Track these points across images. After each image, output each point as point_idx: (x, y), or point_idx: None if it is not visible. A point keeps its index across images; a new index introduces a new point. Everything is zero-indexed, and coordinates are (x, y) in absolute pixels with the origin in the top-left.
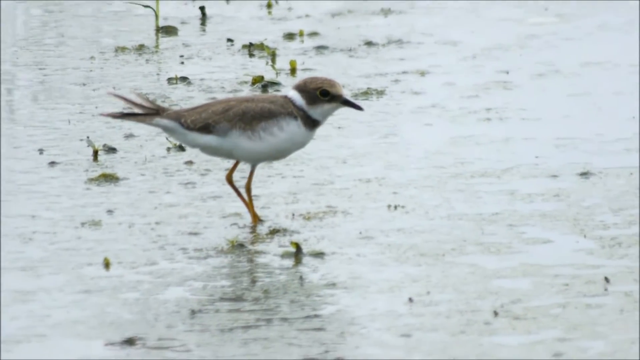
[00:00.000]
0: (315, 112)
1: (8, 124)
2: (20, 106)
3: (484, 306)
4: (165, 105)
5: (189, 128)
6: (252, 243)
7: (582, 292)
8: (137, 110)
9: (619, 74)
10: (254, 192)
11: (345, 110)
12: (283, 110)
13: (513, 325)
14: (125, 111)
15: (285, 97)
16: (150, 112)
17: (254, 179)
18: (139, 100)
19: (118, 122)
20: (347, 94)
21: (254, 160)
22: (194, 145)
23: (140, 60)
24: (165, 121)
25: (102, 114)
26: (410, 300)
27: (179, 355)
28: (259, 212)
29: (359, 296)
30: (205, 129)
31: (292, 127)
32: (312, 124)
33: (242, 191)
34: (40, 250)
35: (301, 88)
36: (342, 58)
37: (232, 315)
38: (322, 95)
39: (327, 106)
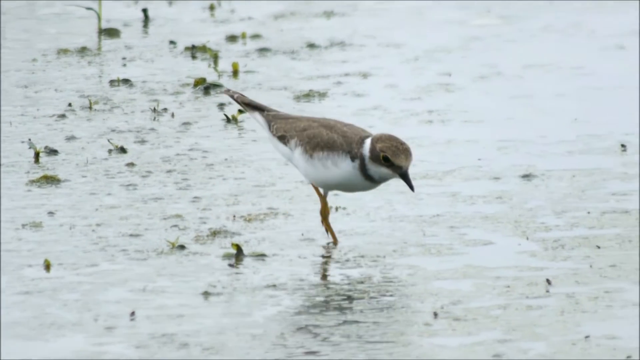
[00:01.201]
0: (371, 168)
1: None
2: None
3: (424, 307)
4: None
5: (272, 133)
6: (193, 244)
7: (524, 293)
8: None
9: (562, 76)
10: (195, 193)
11: (286, 111)
12: (346, 147)
13: (453, 327)
14: (240, 98)
15: (362, 139)
16: (257, 107)
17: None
18: (248, 99)
19: (59, 125)
20: (409, 166)
21: (313, 182)
22: (275, 149)
23: (82, 63)
24: (260, 118)
25: (223, 92)
26: (347, 300)
27: (118, 356)
28: (199, 214)
29: (300, 298)
30: (283, 139)
31: (346, 166)
32: (368, 175)
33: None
34: None
35: (374, 141)
36: (285, 60)
37: (172, 317)
38: (385, 160)
39: (384, 170)
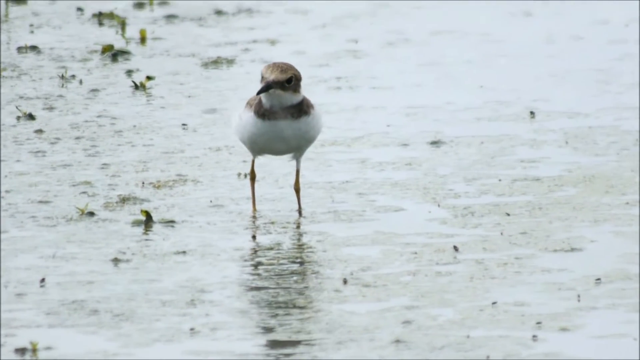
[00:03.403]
0: (263, 97)
1: None
2: None
3: (334, 274)
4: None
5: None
6: (103, 211)
7: (433, 260)
8: None
9: (469, 42)
10: (104, 160)
11: (194, 78)
12: (252, 102)
13: (363, 293)
14: None
15: None
16: None
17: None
18: None
19: None
20: (272, 78)
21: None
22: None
23: None
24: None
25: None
26: (257, 267)
27: (29, 323)
28: (108, 180)
29: (210, 264)
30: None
31: (247, 117)
32: (264, 113)
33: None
34: None
35: None
36: (192, 27)
37: (82, 283)
38: (261, 77)
39: (261, 87)
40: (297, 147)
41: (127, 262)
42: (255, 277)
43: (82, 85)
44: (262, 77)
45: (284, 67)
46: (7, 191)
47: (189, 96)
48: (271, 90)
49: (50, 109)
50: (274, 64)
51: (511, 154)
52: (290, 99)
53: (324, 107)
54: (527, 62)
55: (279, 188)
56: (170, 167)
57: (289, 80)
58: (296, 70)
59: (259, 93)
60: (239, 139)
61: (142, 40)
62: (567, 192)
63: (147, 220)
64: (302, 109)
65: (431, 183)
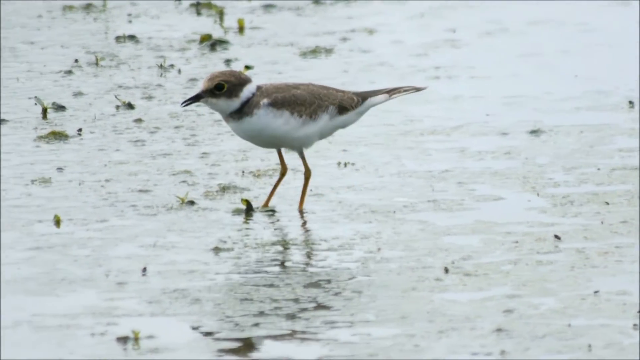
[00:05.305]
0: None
1: None
2: None
3: (435, 263)
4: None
5: None
6: (203, 200)
7: (534, 249)
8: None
9: (566, 32)
10: (204, 149)
11: (292, 67)
12: None
13: (464, 282)
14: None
15: None
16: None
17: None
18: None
19: (66, 80)
20: (202, 87)
21: None
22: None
23: (88, 19)
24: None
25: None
26: (357, 255)
27: (130, 312)
28: (208, 169)
29: (311, 253)
30: None
31: None
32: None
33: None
34: None
35: None
36: (290, 16)
37: (183, 272)
38: None
39: None
40: (265, 144)
41: (228, 251)
42: (356, 265)
43: (181, 75)
44: None
45: (214, 75)
46: (107, 180)
47: None
48: (202, 100)
49: (149, 98)
50: (211, 72)
51: (610, 143)
52: (227, 105)
53: (423, 97)
54: (625, 52)
55: (378, 177)
56: (270, 156)
57: (219, 87)
58: (231, 76)
59: (183, 104)
60: None
61: (240, 29)
62: None
63: (248, 209)
64: (242, 109)
65: (530, 172)
